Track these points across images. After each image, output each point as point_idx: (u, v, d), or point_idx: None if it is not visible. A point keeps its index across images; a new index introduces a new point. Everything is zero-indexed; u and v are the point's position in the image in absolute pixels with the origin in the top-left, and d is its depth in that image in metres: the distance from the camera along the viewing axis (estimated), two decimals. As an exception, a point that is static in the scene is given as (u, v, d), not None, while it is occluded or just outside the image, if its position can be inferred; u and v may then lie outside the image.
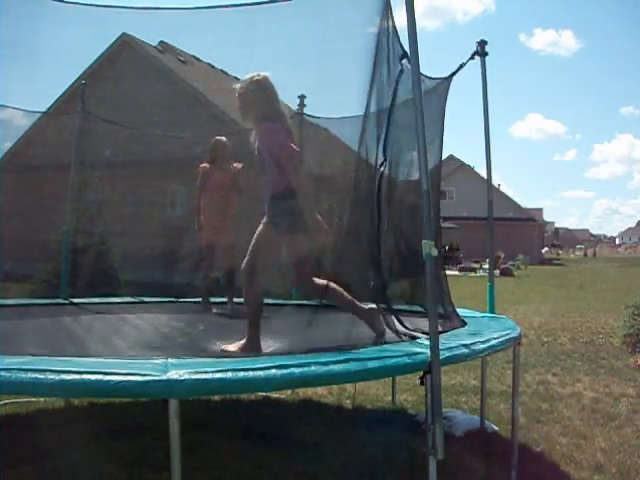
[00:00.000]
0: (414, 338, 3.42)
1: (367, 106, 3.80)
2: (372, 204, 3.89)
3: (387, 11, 3.53)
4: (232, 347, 3.63)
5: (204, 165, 6.03)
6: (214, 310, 5.82)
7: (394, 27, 3.52)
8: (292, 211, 3.60)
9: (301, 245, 3.76)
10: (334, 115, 5.92)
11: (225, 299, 6.00)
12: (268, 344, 3.70)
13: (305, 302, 5.49)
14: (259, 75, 3.74)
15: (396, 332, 3.53)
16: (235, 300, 5.78)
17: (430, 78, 4.45)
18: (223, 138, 6.05)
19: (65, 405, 5.16)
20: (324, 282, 3.73)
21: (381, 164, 3.65)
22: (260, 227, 3.72)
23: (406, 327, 3.59)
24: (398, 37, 3.43)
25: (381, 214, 3.67)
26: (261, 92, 3.69)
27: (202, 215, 5.95)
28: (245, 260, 3.72)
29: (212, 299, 6.01)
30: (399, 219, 3.93)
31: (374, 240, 3.76)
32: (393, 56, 3.54)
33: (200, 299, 5.96)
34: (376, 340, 3.55)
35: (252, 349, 3.55)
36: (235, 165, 5.97)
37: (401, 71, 3.50)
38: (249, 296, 3.75)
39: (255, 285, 3.71)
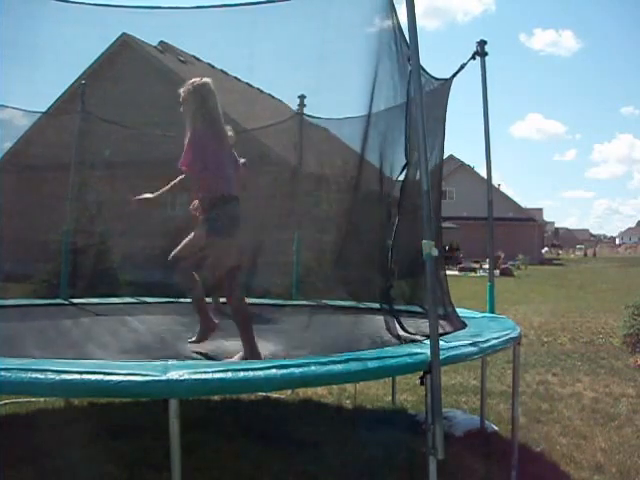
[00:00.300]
0: (414, 342, 3.42)
1: (370, 106, 3.79)
2: (377, 204, 3.88)
3: (391, 11, 3.51)
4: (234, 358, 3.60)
5: None
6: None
7: (399, 27, 3.51)
8: (220, 215, 3.63)
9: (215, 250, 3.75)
10: (334, 115, 5.92)
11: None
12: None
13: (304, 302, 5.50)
14: (200, 80, 3.73)
15: (397, 337, 3.53)
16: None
17: (435, 79, 4.45)
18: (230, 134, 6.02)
19: (65, 405, 5.15)
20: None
21: (404, 167, 3.64)
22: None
23: (407, 331, 3.59)
24: (404, 37, 3.42)
25: (399, 216, 3.67)
26: (198, 97, 3.69)
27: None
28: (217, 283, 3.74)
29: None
30: (406, 219, 3.95)
31: (381, 241, 3.77)
32: (402, 56, 3.52)
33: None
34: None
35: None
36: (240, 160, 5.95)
37: (411, 72, 3.48)
38: (237, 315, 3.71)
39: (239, 300, 3.71)
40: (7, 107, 6.36)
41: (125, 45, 12.39)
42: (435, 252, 2.81)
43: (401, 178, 3.68)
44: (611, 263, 45.20)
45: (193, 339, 4.01)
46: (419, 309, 3.84)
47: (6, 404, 5.01)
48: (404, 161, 3.62)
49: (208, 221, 3.65)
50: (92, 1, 4.54)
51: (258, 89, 7.16)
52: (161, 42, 9.48)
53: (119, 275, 7.56)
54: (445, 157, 5.35)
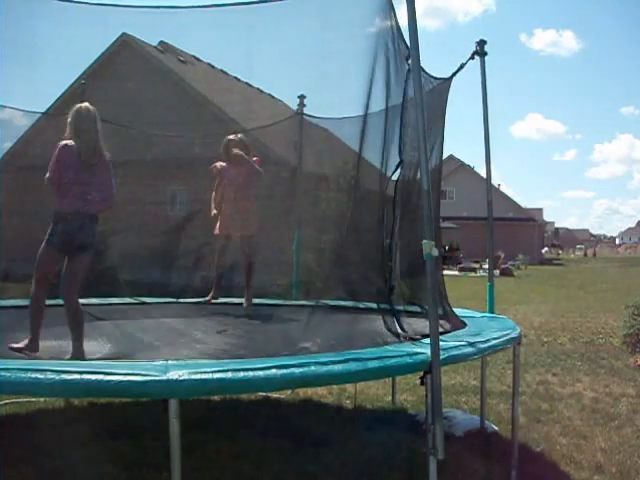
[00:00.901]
0: (414, 340, 3.42)
1: (367, 106, 3.79)
2: (377, 204, 3.89)
3: (390, 11, 3.52)
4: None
5: (220, 163, 6.10)
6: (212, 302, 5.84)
7: (398, 27, 3.52)
8: (60, 233, 3.91)
9: (75, 263, 4.06)
10: (334, 115, 5.92)
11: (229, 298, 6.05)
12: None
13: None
14: (80, 105, 4.14)
15: (396, 335, 3.53)
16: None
17: (435, 78, 4.45)
18: (238, 136, 6.07)
19: (65, 405, 5.15)
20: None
21: (397, 165, 3.65)
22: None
23: (405, 330, 3.59)
24: (403, 37, 3.43)
25: (396, 216, 3.68)
26: (72, 119, 4.06)
27: (222, 208, 6.00)
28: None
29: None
30: (404, 219, 3.95)
31: (381, 241, 3.77)
32: (400, 56, 3.53)
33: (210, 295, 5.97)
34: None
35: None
36: (255, 159, 6.00)
37: (409, 71, 3.49)
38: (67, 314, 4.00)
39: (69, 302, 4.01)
40: (7, 107, 6.35)
41: (125, 45, 12.39)
42: (435, 252, 2.81)
43: (394, 177, 3.70)
44: (611, 263, 45.20)
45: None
46: (418, 309, 3.84)
47: (6, 404, 5.01)
48: (398, 160, 3.64)
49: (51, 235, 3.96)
50: (92, 1, 4.54)
51: (258, 89, 7.16)
52: (161, 42, 9.48)
53: (119, 275, 7.56)
54: (445, 157, 5.36)
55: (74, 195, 3.94)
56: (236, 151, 5.88)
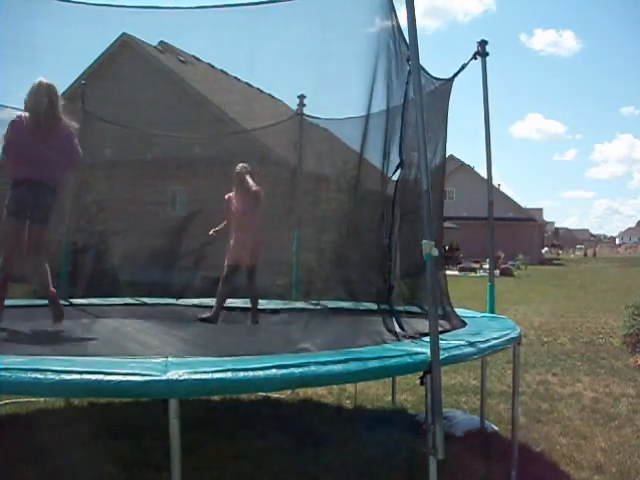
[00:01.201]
0: (413, 338, 3.43)
1: (369, 106, 3.79)
2: (377, 204, 3.89)
3: (391, 11, 3.51)
4: None
5: (229, 194, 6.12)
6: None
7: (399, 27, 3.51)
8: (16, 199, 4.13)
9: (34, 233, 4.23)
10: (334, 115, 5.92)
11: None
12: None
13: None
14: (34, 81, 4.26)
15: (395, 334, 3.53)
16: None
17: (436, 79, 4.45)
18: (238, 166, 6.03)
19: (65, 405, 5.15)
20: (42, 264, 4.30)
21: (397, 166, 3.65)
22: None
23: (405, 330, 3.59)
24: (404, 38, 3.42)
25: (395, 216, 3.68)
26: (27, 95, 4.22)
27: (230, 235, 6.04)
28: None
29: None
30: (405, 219, 3.95)
31: (380, 242, 3.77)
32: (401, 56, 3.53)
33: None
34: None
35: None
36: (257, 189, 5.96)
37: (409, 72, 3.49)
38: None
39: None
40: (7, 107, 6.35)
41: (125, 45, 12.38)
42: (435, 252, 2.81)
43: (395, 178, 3.70)
44: (611, 263, 45.19)
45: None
46: (418, 309, 3.84)
47: (6, 404, 5.01)
48: (398, 161, 3.64)
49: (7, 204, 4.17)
50: (92, 1, 4.54)
51: (258, 89, 7.16)
52: (161, 42, 9.48)
53: (119, 275, 7.56)
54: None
55: (25, 163, 4.10)
56: (238, 170, 5.85)
